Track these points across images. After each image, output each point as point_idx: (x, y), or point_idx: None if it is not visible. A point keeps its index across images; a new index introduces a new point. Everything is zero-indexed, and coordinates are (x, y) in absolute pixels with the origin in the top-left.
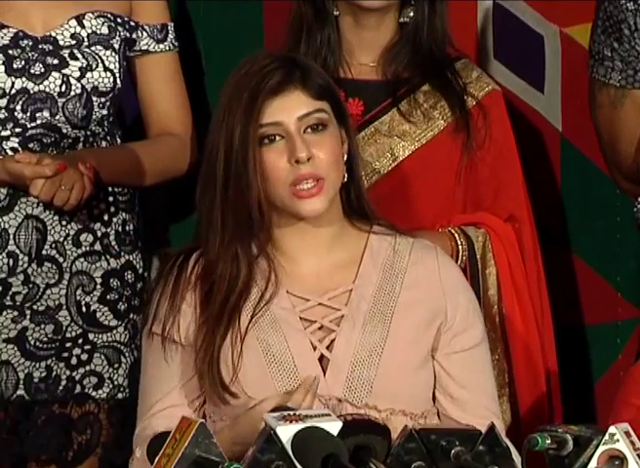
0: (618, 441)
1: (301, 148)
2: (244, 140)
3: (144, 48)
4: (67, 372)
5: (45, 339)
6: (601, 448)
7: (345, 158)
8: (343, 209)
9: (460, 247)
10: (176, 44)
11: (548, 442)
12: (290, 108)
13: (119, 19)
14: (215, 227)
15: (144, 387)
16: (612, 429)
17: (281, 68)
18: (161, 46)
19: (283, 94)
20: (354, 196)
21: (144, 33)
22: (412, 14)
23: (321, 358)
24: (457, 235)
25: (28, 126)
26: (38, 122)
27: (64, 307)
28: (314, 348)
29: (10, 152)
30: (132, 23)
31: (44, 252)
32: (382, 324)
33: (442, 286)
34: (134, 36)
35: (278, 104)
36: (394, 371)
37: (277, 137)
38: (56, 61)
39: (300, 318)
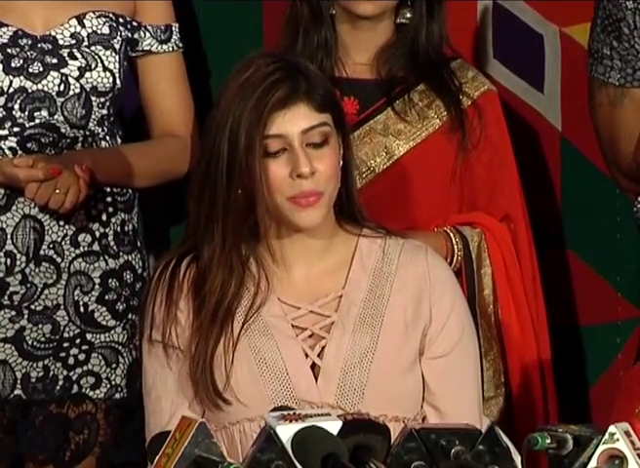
0: (617, 440)
1: (305, 163)
2: (249, 152)
3: (147, 48)
4: (65, 372)
5: (42, 339)
6: (601, 448)
7: (341, 164)
8: (335, 214)
9: (455, 246)
10: (180, 45)
11: (548, 441)
12: (294, 122)
13: (121, 19)
14: (213, 236)
15: (154, 401)
16: (612, 428)
17: (287, 80)
18: (164, 46)
19: (288, 107)
20: (346, 200)
21: (147, 33)
22: (408, 15)
23: (313, 365)
24: (452, 235)
25: (27, 125)
26: (37, 121)
27: (62, 307)
28: (306, 355)
29: (8, 152)
30: (134, 24)
31: (42, 252)
32: (373, 329)
33: (430, 287)
34: (136, 36)
35: (283, 117)
36: (385, 376)
37: (280, 150)
38: (54, 61)
39: (292, 325)
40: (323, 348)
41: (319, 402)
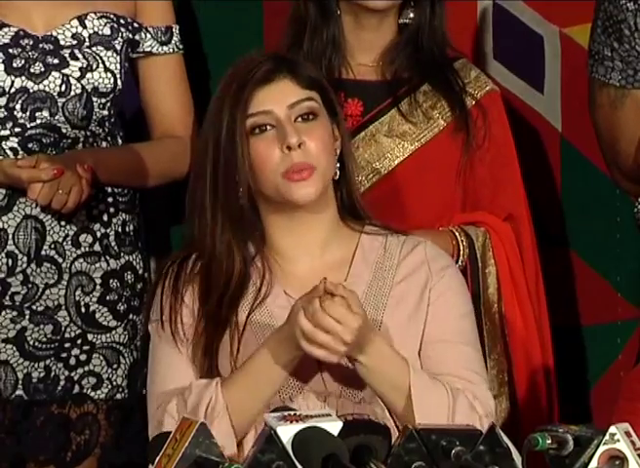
0: (618, 441)
1: (292, 134)
2: (231, 130)
3: (148, 49)
4: (66, 373)
5: (44, 339)
6: (601, 448)
7: (337, 154)
8: (338, 209)
9: (461, 245)
10: (180, 46)
11: (549, 442)
12: (279, 97)
13: (122, 20)
14: (206, 222)
15: (158, 373)
16: (612, 429)
17: (270, 60)
18: (165, 48)
19: (272, 82)
20: (346, 194)
21: (148, 35)
22: (412, 15)
23: None
24: (458, 234)
25: (28, 126)
26: (38, 122)
27: (63, 307)
28: None
29: (9, 152)
30: (135, 25)
31: (43, 252)
32: (374, 320)
33: (430, 274)
34: (137, 37)
35: (267, 93)
36: None
37: (268, 127)
38: (56, 61)
39: None
40: None
41: (324, 391)
